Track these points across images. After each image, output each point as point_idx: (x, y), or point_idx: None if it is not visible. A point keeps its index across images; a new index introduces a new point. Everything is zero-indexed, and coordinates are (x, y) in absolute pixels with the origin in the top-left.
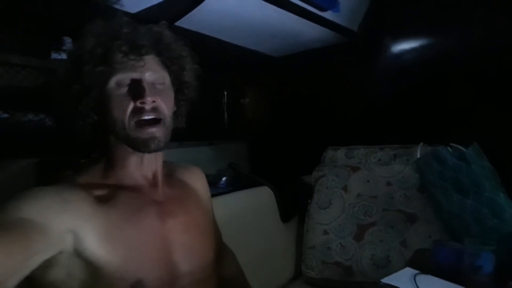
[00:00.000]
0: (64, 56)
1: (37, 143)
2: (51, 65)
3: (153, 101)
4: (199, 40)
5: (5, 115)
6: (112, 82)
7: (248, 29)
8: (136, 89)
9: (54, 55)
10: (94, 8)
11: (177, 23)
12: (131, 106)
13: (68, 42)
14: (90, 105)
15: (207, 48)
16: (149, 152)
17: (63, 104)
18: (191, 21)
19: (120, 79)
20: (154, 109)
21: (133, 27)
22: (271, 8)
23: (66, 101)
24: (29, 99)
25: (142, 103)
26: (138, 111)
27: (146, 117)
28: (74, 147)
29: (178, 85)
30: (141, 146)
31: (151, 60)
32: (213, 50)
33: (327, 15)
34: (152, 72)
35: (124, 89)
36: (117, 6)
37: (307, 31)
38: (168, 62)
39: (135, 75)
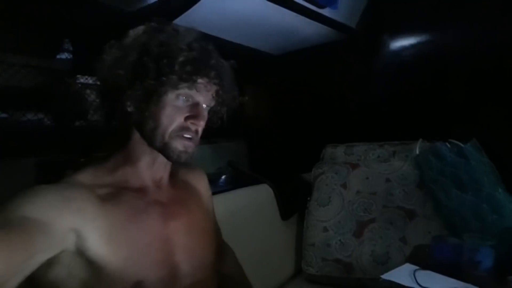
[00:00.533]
0: (62, 56)
1: (36, 143)
2: (51, 65)
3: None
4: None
5: (4, 115)
6: (174, 93)
7: (246, 26)
8: (196, 112)
9: (54, 55)
10: (94, 7)
11: (176, 21)
12: (179, 121)
13: (68, 41)
14: (137, 94)
15: None
16: (177, 163)
17: (106, 81)
18: (190, 18)
19: (183, 94)
20: (197, 132)
21: (206, 47)
22: (270, 6)
23: (113, 80)
24: (28, 99)
25: (193, 124)
26: (184, 128)
27: (187, 136)
28: (74, 146)
29: (213, 114)
30: (174, 156)
31: (212, 88)
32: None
33: (326, 12)
34: (211, 101)
35: (181, 103)
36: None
37: (305, 28)
38: (220, 99)
39: (199, 97)
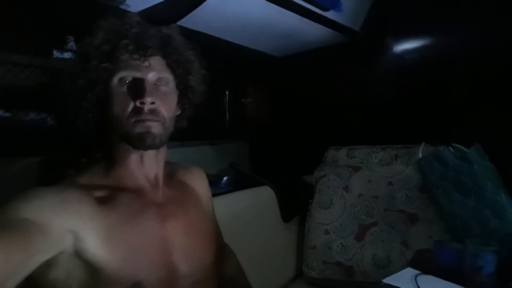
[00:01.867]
0: (66, 55)
1: (39, 142)
2: (54, 64)
3: (152, 103)
4: (201, 39)
5: (8, 114)
6: (115, 79)
7: (250, 28)
8: (137, 89)
9: (57, 54)
10: (98, 7)
11: (179, 23)
12: (131, 105)
13: (70, 41)
14: (93, 101)
15: (209, 48)
16: (145, 148)
17: (67, 99)
18: (194, 20)
19: (123, 77)
20: (153, 111)
21: (143, 28)
22: (274, 8)
23: (70, 96)
24: (32, 98)
25: (142, 103)
26: (137, 111)
27: (143, 118)
28: (76, 146)
29: (182, 89)
30: (137, 141)
31: (156, 62)
32: (215, 50)
33: (330, 15)
34: (155, 73)
35: (126, 87)
36: (121, 6)
37: (309, 30)
38: (174, 65)
39: (138, 74)
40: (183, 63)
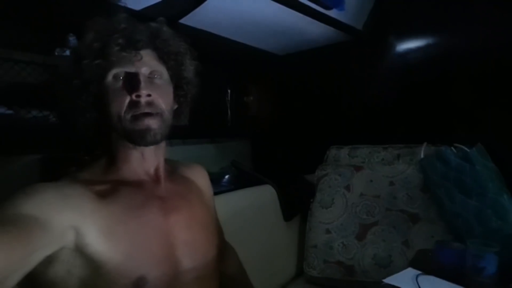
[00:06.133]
0: (68, 52)
1: (41, 140)
2: (56, 62)
3: (148, 95)
4: (203, 37)
5: (10, 112)
6: (110, 76)
7: (252, 27)
8: (131, 82)
9: (59, 52)
10: (99, 5)
11: (182, 21)
12: (127, 100)
13: (72, 38)
14: (89, 100)
15: (212, 46)
16: (146, 144)
17: (63, 100)
18: (196, 18)
19: (116, 73)
20: (150, 104)
21: (132, 23)
22: (276, 6)
23: (66, 97)
24: (34, 96)
25: (137, 96)
26: (134, 105)
27: (141, 112)
28: (78, 143)
29: (177, 81)
30: (137, 138)
31: (148, 55)
32: (218, 48)
33: (332, 13)
34: (148, 67)
35: (121, 83)
36: (121, 4)
37: (312, 29)
38: (166, 57)
39: (131, 68)
40: (174, 54)
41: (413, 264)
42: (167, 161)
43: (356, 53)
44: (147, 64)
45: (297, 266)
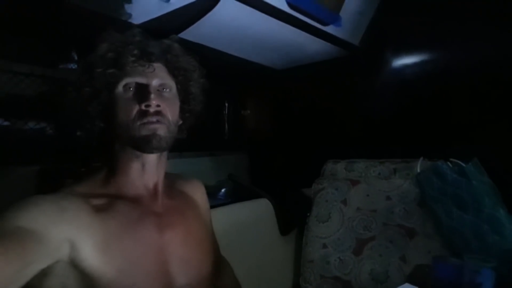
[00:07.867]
0: (68, 65)
1: (38, 152)
2: (55, 74)
3: (158, 105)
4: (201, 51)
5: (7, 123)
6: (120, 86)
7: (250, 41)
8: (142, 93)
9: (58, 64)
10: (100, 18)
11: (181, 35)
12: (136, 109)
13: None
14: (99, 108)
15: (209, 60)
16: (151, 150)
17: (73, 107)
18: (195, 33)
19: (127, 83)
20: (158, 113)
21: (145, 37)
22: (273, 22)
23: (76, 104)
24: (31, 108)
25: (147, 106)
26: (143, 114)
27: (149, 120)
28: (75, 156)
29: (184, 96)
30: (143, 143)
31: (159, 68)
32: (215, 62)
33: (329, 29)
34: (159, 79)
35: (131, 93)
36: (123, 18)
37: (309, 44)
38: (176, 72)
39: (142, 80)
40: (183, 70)
41: (410, 279)
42: (166, 175)
43: (353, 68)
44: (158, 76)
45: (293, 280)
